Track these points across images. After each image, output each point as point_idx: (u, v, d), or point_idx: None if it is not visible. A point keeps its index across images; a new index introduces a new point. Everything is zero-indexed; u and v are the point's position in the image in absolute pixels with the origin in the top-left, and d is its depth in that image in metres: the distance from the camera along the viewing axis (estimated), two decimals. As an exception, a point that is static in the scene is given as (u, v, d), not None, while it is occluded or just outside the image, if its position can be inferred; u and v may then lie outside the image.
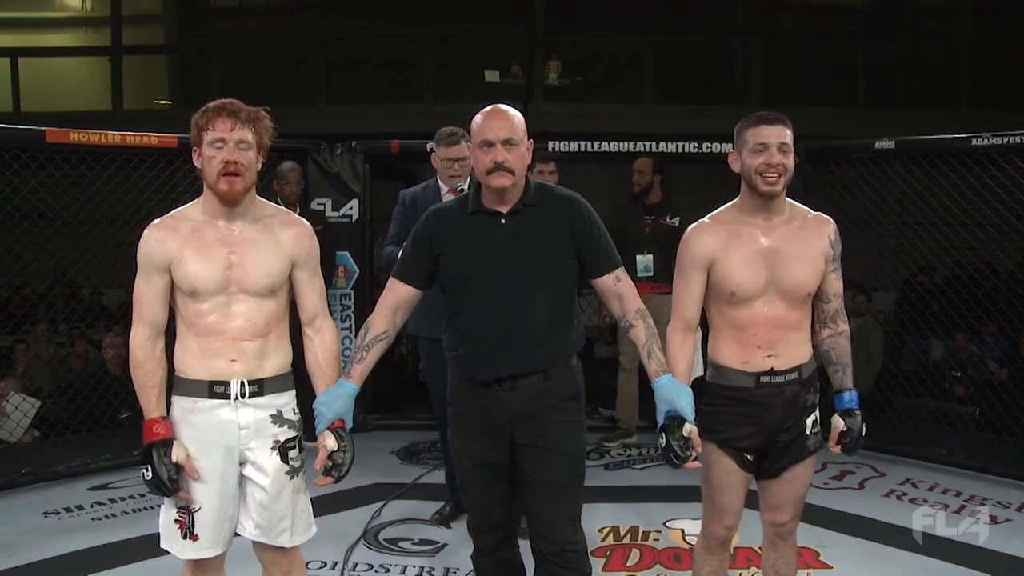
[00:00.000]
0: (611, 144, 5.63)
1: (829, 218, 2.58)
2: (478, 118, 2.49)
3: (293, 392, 2.43)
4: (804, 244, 2.51)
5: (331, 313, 5.50)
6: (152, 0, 13.42)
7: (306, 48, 12.12)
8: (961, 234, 5.32)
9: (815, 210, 2.63)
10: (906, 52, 11.19)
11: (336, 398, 2.39)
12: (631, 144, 5.56)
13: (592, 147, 5.65)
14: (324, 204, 5.54)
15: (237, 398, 2.31)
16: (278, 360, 2.38)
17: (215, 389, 2.30)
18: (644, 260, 4.96)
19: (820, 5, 12.50)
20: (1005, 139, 4.66)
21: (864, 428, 2.55)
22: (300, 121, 10.22)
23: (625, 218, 5.08)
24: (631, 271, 4.79)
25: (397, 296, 2.55)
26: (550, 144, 5.44)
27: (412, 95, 11.70)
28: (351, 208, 5.60)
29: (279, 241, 2.37)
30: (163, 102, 12.44)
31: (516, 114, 2.49)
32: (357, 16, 12.63)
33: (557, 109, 10.70)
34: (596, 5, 11.83)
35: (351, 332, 5.50)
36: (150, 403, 2.29)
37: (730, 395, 2.53)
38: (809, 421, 2.57)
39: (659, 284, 4.81)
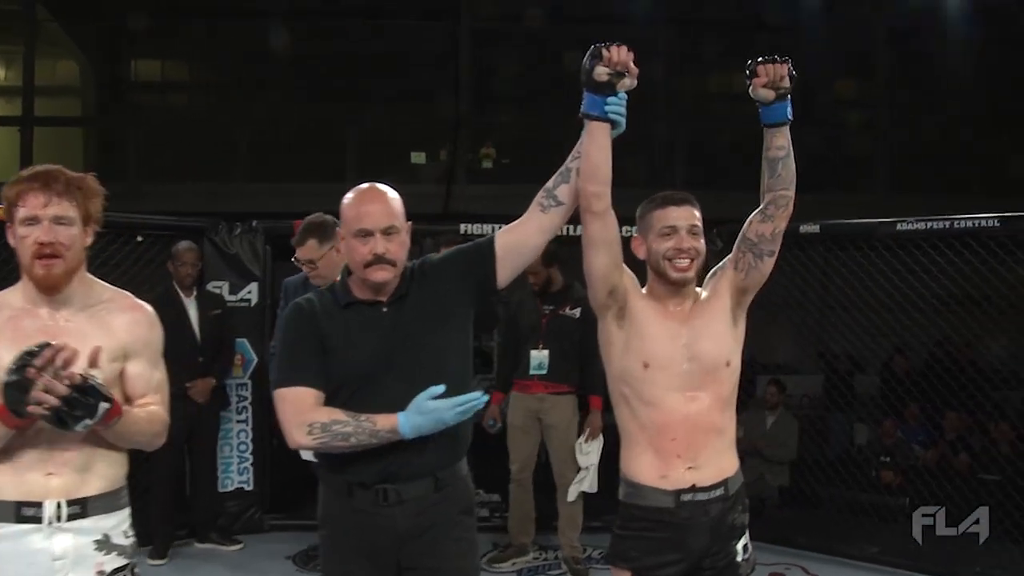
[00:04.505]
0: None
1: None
2: (351, 200, 2.19)
3: (126, 511, 2.04)
4: (710, 312, 2.29)
5: (227, 404, 5.07)
6: (70, 72, 13.10)
7: (229, 125, 11.89)
8: (886, 318, 5.23)
9: None
10: (825, 139, 11.40)
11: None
12: (572, 228, 5.32)
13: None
14: (221, 287, 5.15)
15: (51, 522, 1.91)
16: (108, 472, 1.99)
17: (24, 512, 1.89)
18: (539, 356, 4.51)
19: (743, 93, 12.73)
20: (928, 224, 4.65)
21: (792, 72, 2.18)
22: (221, 199, 9.88)
23: (519, 307, 4.65)
24: (523, 367, 4.56)
25: (311, 401, 2.14)
26: (478, 227, 5.20)
27: (335, 174, 11.49)
28: (250, 292, 5.22)
29: (111, 329, 2.00)
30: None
31: (395, 196, 2.20)
32: (283, 93, 12.47)
33: (481, 192, 10.56)
34: (521, 87, 11.86)
35: (247, 425, 5.09)
36: None
37: (647, 517, 2.23)
38: (739, 546, 2.27)
39: (554, 383, 4.52)
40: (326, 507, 2.27)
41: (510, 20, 11.52)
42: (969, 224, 4.57)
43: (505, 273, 2.25)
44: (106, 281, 2.13)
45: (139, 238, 4.97)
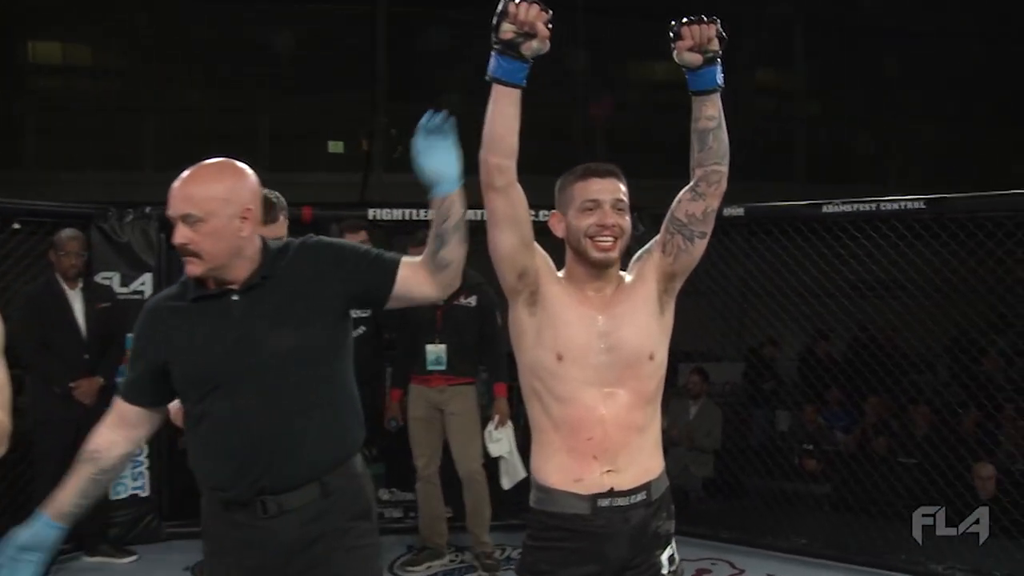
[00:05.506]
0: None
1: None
2: None
3: None
4: (634, 298, 2.04)
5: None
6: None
7: (138, 112, 11.38)
8: (811, 303, 5.14)
9: None
10: (743, 126, 11.45)
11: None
12: (476, 212, 5.08)
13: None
14: (111, 278, 4.77)
15: None
16: None
17: None
18: (435, 351, 4.29)
19: (664, 80, 12.71)
20: (855, 207, 4.58)
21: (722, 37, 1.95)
22: (126, 188, 9.39)
23: None
24: (421, 363, 4.30)
25: (121, 414, 2.01)
26: (387, 212, 4.99)
27: (248, 164, 11.08)
28: (143, 283, 4.84)
29: None
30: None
31: (211, 179, 1.94)
32: (195, 79, 12.00)
33: (401, 180, 10.29)
34: (441, 74, 11.62)
35: (141, 427, 4.71)
36: None
37: (560, 525, 1.98)
38: (664, 558, 2.03)
39: (453, 376, 4.31)
40: (206, 520, 2.03)
41: (428, 5, 11.26)
42: (895, 207, 4.50)
43: (395, 302, 2.02)
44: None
45: (16, 225, 4.55)
